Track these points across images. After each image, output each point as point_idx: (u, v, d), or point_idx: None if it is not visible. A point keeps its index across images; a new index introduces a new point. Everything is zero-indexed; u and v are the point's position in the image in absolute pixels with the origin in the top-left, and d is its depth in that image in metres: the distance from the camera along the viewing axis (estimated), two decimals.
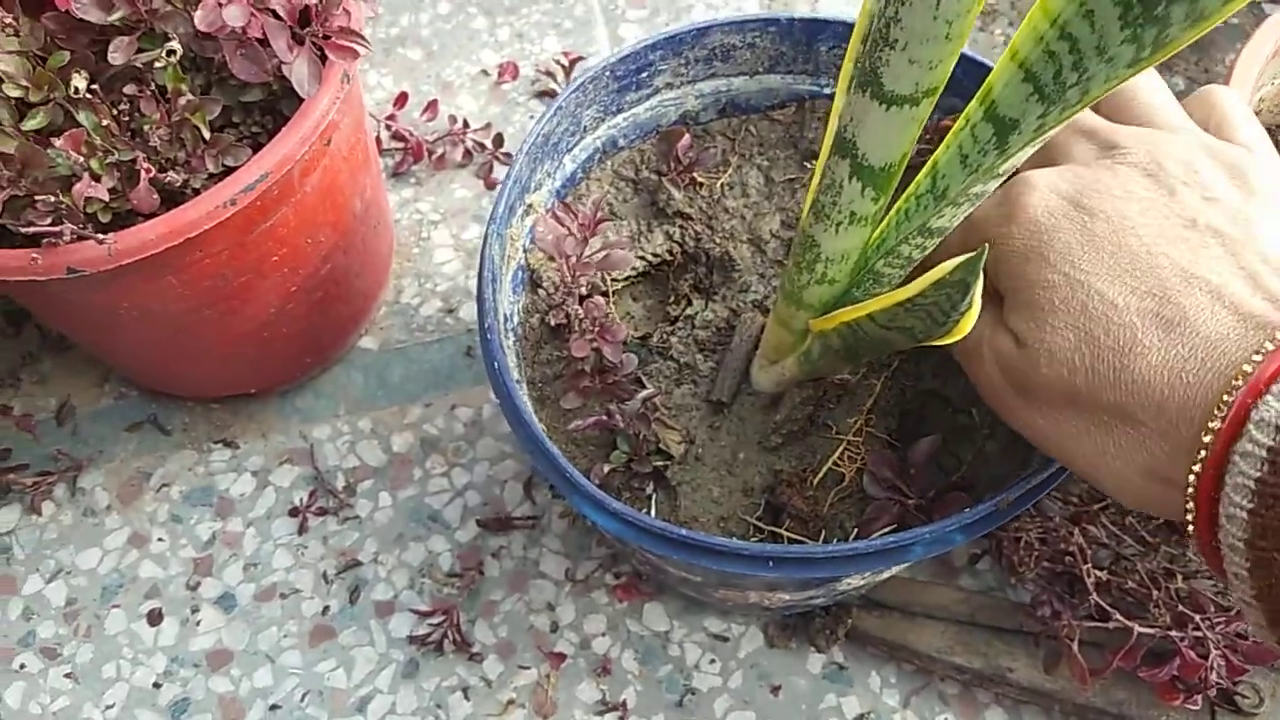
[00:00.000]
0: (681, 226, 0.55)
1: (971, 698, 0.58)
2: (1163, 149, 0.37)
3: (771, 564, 0.41)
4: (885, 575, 0.54)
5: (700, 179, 0.56)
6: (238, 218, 0.46)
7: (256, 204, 0.47)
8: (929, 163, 0.37)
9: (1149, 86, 0.41)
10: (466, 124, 0.73)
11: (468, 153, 0.72)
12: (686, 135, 0.56)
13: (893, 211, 0.40)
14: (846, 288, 0.42)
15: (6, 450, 0.65)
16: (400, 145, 0.72)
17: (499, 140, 0.72)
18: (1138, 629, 0.52)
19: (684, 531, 0.41)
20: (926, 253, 0.38)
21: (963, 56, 0.51)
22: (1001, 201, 0.39)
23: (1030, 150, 0.33)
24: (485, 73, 0.77)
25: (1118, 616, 0.52)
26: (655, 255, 0.55)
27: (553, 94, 0.75)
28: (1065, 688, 0.55)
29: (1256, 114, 0.56)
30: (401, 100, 0.73)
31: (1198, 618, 0.52)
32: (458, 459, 0.64)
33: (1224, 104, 0.40)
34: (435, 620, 0.59)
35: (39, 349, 0.69)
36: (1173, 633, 0.52)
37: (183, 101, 0.45)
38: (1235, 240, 0.34)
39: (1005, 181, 0.38)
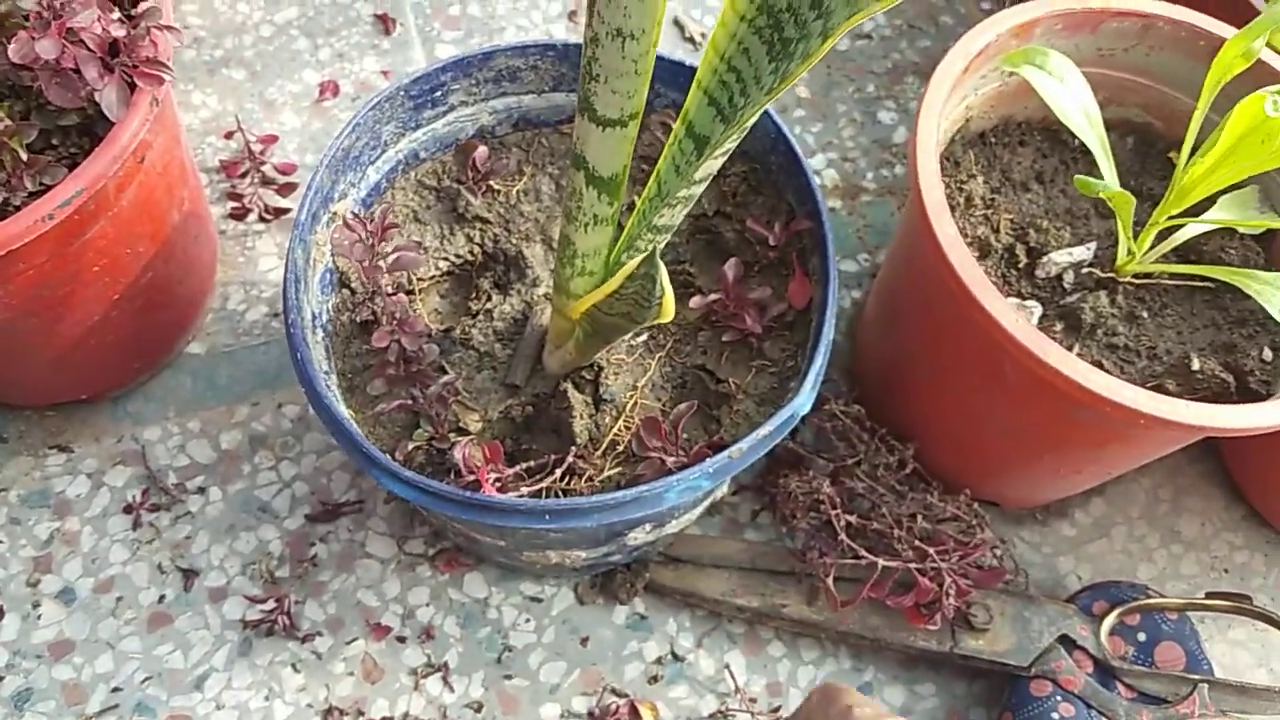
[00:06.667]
0: (481, 229, 0.62)
1: (755, 635, 0.66)
2: None
3: (548, 516, 0.48)
4: (674, 530, 0.62)
5: (497, 186, 0.63)
6: (56, 231, 0.50)
7: (74, 218, 0.51)
8: (654, 172, 0.45)
9: None
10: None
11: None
12: (483, 147, 0.62)
13: (634, 213, 0.47)
14: (603, 277, 0.49)
15: None
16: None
17: None
18: (881, 563, 0.61)
19: (470, 494, 0.48)
20: (658, 245, 0.46)
21: (679, 64, 0.59)
22: None
23: (719, 161, 0.41)
24: (307, 91, 0.82)
25: (864, 554, 0.61)
26: (458, 256, 0.62)
27: None
28: (830, 618, 0.64)
29: (966, 122, 0.65)
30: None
31: (933, 551, 0.62)
32: (285, 453, 0.69)
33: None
34: (267, 606, 0.63)
35: None
36: (913, 565, 0.62)
37: (0, 127, 0.49)
38: None
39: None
